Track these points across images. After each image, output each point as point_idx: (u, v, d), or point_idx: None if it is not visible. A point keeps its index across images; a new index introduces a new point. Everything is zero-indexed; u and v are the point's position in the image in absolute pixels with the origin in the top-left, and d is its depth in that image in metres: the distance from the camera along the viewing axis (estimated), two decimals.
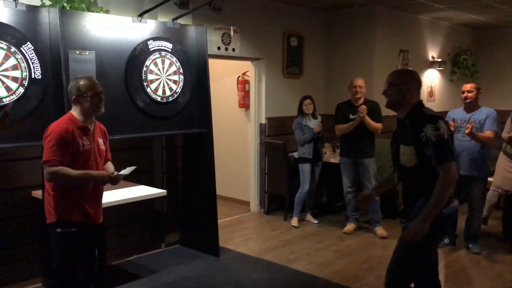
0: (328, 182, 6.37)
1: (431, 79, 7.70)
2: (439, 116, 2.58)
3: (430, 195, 2.50)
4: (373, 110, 5.17)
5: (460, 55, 8.08)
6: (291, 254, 4.78)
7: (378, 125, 5.17)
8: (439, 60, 7.60)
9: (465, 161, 4.58)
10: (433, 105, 7.63)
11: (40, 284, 3.95)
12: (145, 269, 4.36)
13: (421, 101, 2.69)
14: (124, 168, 2.91)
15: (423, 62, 7.46)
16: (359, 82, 5.25)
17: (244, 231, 5.58)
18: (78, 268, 2.87)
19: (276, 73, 6.25)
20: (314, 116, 5.63)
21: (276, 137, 6.11)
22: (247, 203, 6.51)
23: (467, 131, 4.38)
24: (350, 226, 5.47)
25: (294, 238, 5.29)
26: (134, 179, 4.21)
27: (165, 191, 4.11)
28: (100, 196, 2.98)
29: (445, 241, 4.92)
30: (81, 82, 2.82)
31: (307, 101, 5.61)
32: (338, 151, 6.03)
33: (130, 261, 4.56)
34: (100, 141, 2.95)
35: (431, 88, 7.70)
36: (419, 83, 2.73)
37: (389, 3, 6.25)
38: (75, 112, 2.83)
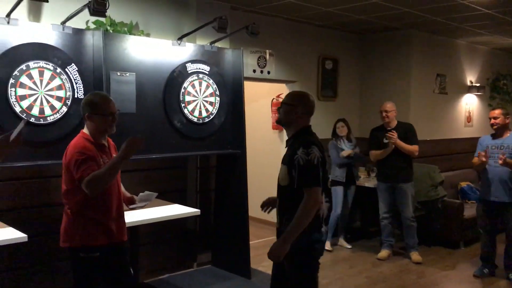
0: (362, 207, 6.28)
1: (469, 104, 7.55)
2: (316, 143, 2.63)
3: None
4: (407, 133, 5.12)
5: (499, 80, 7.91)
6: (323, 279, 4.70)
7: (413, 148, 5.09)
8: (478, 85, 7.46)
9: (497, 187, 4.51)
10: (471, 130, 7.47)
11: None
12: None
13: (309, 126, 2.75)
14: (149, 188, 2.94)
15: (461, 86, 7.34)
16: (387, 106, 5.20)
17: None
18: None
19: None
20: (348, 138, 5.61)
21: None
22: None
23: (500, 162, 4.32)
24: (384, 252, 5.36)
25: (327, 262, 5.22)
26: (168, 197, 4.28)
27: (199, 210, 4.14)
28: (122, 211, 2.92)
29: (485, 271, 4.76)
30: (97, 99, 2.77)
31: (340, 124, 5.60)
32: (373, 175, 5.97)
33: (162, 280, 4.59)
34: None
35: (469, 113, 7.55)
36: (309, 109, 2.76)
37: (426, 28, 6.22)
38: (87, 130, 2.79)
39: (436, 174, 5.79)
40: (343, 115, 5.90)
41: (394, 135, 4.99)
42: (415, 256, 5.20)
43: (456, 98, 7.26)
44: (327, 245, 5.64)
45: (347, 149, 5.52)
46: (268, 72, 5.66)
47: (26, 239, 3.10)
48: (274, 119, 6.58)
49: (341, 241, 5.79)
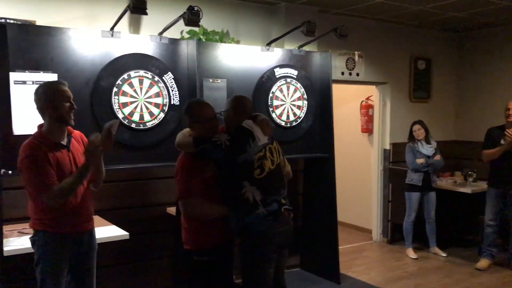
0: (458, 213, 5.95)
1: None
2: (232, 134, 2.78)
3: (232, 203, 2.76)
4: None
5: None
6: (416, 287, 4.53)
7: None
8: None
9: None
10: None
11: None
12: None
13: (240, 126, 2.83)
14: None
15: None
16: None
17: (365, 260, 5.43)
18: None
19: (402, 97, 6.08)
20: (427, 141, 5.35)
21: (400, 164, 5.89)
22: (368, 231, 6.34)
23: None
24: (484, 262, 5.02)
25: (419, 271, 5.01)
26: None
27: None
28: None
29: None
30: (195, 108, 2.83)
31: (416, 127, 5.35)
32: (469, 180, 5.63)
33: None
34: None
35: None
36: (240, 111, 2.92)
37: None
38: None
39: None
40: (437, 118, 5.64)
41: None
42: None
43: None
44: (411, 253, 5.44)
45: (426, 152, 5.27)
46: (357, 74, 5.57)
47: (127, 237, 3.33)
48: (363, 122, 6.46)
49: (435, 249, 5.52)
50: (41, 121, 2.63)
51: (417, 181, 5.28)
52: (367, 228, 6.42)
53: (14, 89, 3.21)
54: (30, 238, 2.65)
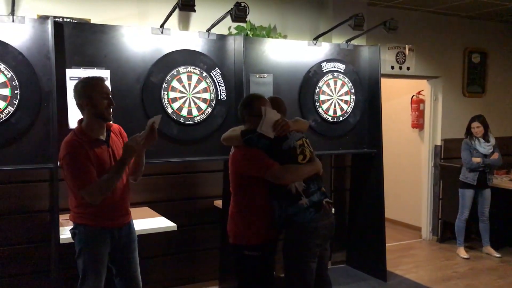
0: None
1: None
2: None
3: (274, 193, 2.78)
4: None
5: None
6: None
7: None
8: None
9: None
10: None
11: (217, 287, 4.32)
12: None
13: None
14: None
15: None
16: None
17: (414, 258, 5.32)
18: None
19: (454, 91, 5.89)
20: (486, 138, 5.13)
21: (452, 161, 5.71)
22: (418, 229, 6.19)
23: None
24: None
25: (471, 271, 4.85)
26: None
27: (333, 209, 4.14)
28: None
29: None
30: (254, 101, 2.83)
31: (475, 124, 5.14)
32: None
33: None
34: None
35: None
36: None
37: None
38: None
39: None
40: (494, 113, 5.42)
41: None
42: None
43: None
44: (462, 252, 5.27)
45: (483, 150, 5.07)
46: (408, 68, 5.43)
47: (175, 228, 3.43)
48: (413, 117, 6.29)
49: (488, 249, 5.32)
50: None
51: (472, 180, 5.10)
52: (416, 225, 6.27)
53: (70, 85, 3.36)
54: (70, 230, 2.72)
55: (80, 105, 2.62)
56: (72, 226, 2.73)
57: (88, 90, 2.58)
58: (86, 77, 2.68)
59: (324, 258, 2.94)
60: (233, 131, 2.95)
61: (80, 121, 2.67)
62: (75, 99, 2.63)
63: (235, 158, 2.88)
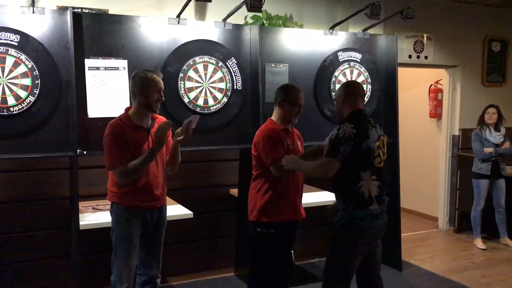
0: None
1: None
2: (352, 119, 2.70)
3: (344, 193, 2.69)
4: None
5: None
6: (483, 278, 4.38)
7: None
8: None
9: None
10: None
11: (233, 274, 4.39)
12: None
13: (356, 110, 2.77)
14: None
15: None
16: None
17: (429, 248, 5.30)
18: (274, 269, 3.01)
19: (473, 81, 5.81)
20: (497, 128, 5.07)
21: (470, 151, 5.65)
22: (434, 219, 6.16)
23: None
24: None
25: (487, 262, 4.83)
26: (322, 184, 4.36)
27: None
28: (301, 191, 3.10)
29: None
30: (291, 90, 3.01)
31: (491, 110, 5.10)
32: None
33: (313, 264, 4.73)
34: (298, 143, 3.13)
35: None
36: (350, 93, 2.81)
37: None
38: (275, 116, 3.04)
39: None
40: None
41: None
42: None
43: None
44: (479, 243, 5.23)
45: (493, 140, 5.02)
46: (426, 57, 5.38)
47: (191, 216, 3.49)
48: (431, 107, 6.24)
49: (505, 240, 5.28)
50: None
51: (486, 170, 5.06)
52: (433, 216, 6.24)
53: (88, 75, 3.43)
54: (110, 209, 2.90)
55: (133, 93, 2.81)
56: (108, 208, 2.93)
57: (145, 82, 2.77)
58: (145, 69, 2.88)
59: (376, 254, 2.91)
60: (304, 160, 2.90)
61: (127, 109, 2.88)
62: (131, 86, 2.82)
63: (256, 134, 3.00)
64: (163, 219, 2.98)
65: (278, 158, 2.84)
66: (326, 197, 4.12)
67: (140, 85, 2.77)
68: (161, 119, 2.95)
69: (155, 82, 2.79)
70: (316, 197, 4.10)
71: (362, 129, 2.65)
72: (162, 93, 2.82)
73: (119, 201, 2.80)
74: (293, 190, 3.01)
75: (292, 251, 3.17)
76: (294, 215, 3.03)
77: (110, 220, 2.87)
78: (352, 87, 2.86)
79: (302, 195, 3.13)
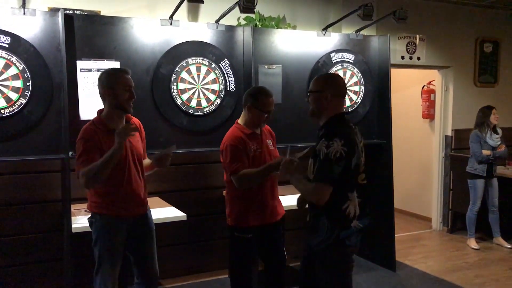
0: None
1: None
2: (343, 133, 2.32)
3: (329, 212, 2.38)
4: None
5: None
6: (477, 278, 4.39)
7: None
8: None
9: None
10: None
11: (227, 276, 4.36)
12: None
13: (341, 113, 2.46)
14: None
15: None
16: None
17: (423, 248, 5.32)
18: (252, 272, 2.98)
19: (466, 81, 5.84)
20: (495, 130, 5.11)
21: (463, 151, 5.68)
22: (428, 219, 6.18)
23: None
24: None
25: (481, 262, 4.84)
26: None
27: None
28: (276, 192, 3.03)
29: None
30: (261, 96, 2.85)
31: (495, 110, 5.12)
32: None
33: None
34: (269, 142, 3.02)
35: None
36: (339, 93, 2.46)
37: None
38: (242, 120, 2.93)
39: None
40: (504, 103, 5.41)
41: None
42: None
43: None
44: (473, 243, 5.25)
45: (492, 143, 5.05)
46: (418, 58, 5.40)
47: (185, 218, 3.48)
48: (424, 108, 6.26)
49: (499, 240, 5.30)
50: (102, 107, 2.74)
51: (481, 171, 5.08)
52: (426, 216, 6.27)
53: (80, 76, 3.41)
54: (88, 219, 2.79)
55: (102, 95, 2.68)
56: (89, 215, 2.79)
57: (111, 81, 2.63)
58: (111, 68, 2.74)
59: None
60: (305, 185, 2.50)
61: (100, 111, 2.72)
62: (99, 88, 2.68)
63: (222, 141, 2.93)
64: (150, 225, 2.88)
65: (238, 170, 2.75)
66: None
67: (107, 85, 2.62)
68: (135, 121, 2.82)
69: (123, 79, 2.63)
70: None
71: (351, 146, 2.33)
72: (132, 90, 2.66)
73: (102, 211, 2.68)
74: (268, 194, 2.95)
75: (284, 248, 3.13)
76: (271, 217, 2.97)
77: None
78: (341, 86, 2.50)
79: (277, 195, 3.07)
